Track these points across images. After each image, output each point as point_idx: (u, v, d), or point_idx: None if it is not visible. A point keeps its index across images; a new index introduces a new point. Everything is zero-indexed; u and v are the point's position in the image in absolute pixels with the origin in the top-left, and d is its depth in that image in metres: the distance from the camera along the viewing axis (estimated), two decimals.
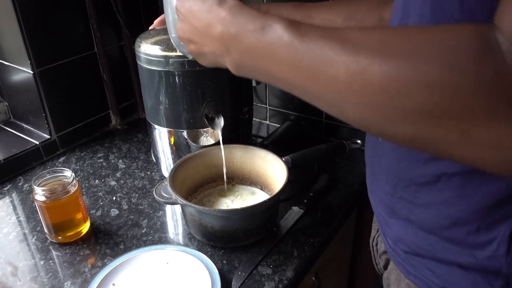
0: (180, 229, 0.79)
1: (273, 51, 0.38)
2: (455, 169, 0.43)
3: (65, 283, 0.68)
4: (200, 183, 0.82)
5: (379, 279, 0.69)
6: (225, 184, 0.82)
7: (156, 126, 0.84)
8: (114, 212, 0.83)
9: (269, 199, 0.70)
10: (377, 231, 0.67)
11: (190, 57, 0.61)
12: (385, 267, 0.64)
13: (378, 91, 0.32)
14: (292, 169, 0.76)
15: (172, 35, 0.61)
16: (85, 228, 0.77)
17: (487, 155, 0.31)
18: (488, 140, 0.30)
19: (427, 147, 0.34)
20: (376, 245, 0.67)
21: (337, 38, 0.34)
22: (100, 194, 0.89)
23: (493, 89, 0.29)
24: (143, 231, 0.78)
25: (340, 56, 0.33)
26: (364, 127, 0.37)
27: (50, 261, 0.73)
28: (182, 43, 0.55)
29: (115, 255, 0.73)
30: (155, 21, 0.78)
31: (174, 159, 0.87)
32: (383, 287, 0.65)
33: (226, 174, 0.82)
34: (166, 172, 0.91)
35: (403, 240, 0.52)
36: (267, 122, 1.13)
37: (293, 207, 0.80)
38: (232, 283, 0.66)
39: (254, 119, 1.02)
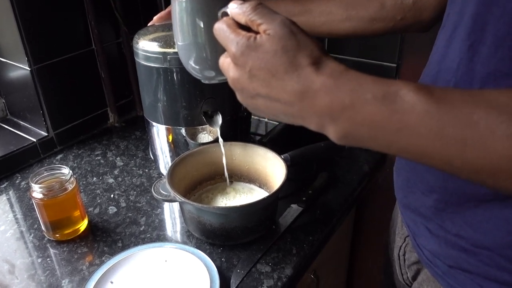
0: (179, 227, 0.79)
1: (403, 122, 0.33)
2: None
3: (63, 281, 0.68)
4: (199, 181, 0.82)
5: (399, 286, 0.68)
6: (227, 180, 0.81)
7: (154, 124, 0.84)
8: (112, 209, 0.83)
9: (268, 197, 0.70)
10: (405, 240, 0.64)
11: (206, 82, 0.51)
12: (414, 278, 0.62)
13: None
14: (291, 166, 0.76)
15: (179, 42, 0.48)
16: (82, 225, 0.77)
17: None
18: None
19: None
20: (404, 255, 0.64)
21: (486, 105, 0.31)
22: (98, 191, 0.88)
23: None
24: (141, 229, 0.77)
25: (498, 128, 0.30)
26: None
27: (48, 259, 0.72)
28: (209, 72, 0.45)
29: (113, 253, 0.72)
30: (154, 18, 0.78)
31: (172, 157, 0.86)
32: None
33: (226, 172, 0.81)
34: (164, 170, 0.90)
35: (448, 254, 0.50)
36: (266, 119, 1.13)
37: (292, 205, 0.80)
38: (231, 281, 0.66)
39: (252, 116, 1.02)
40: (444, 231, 0.50)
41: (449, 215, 0.48)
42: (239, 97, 0.42)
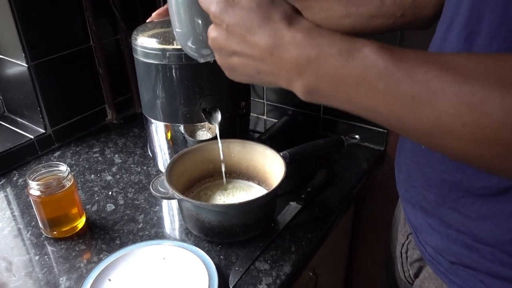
0: (177, 224, 0.79)
1: (363, 77, 0.34)
2: None
3: (61, 279, 0.68)
4: (197, 178, 0.82)
5: (403, 287, 0.68)
6: (224, 178, 0.81)
7: (152, 121, 0.83)
8: (110, 207, 0.82)
9: (266, 194, 0.69)
10: (407, 238, 0.64)
11: (201, 61, 0.55)
12: (416, 275, 0.62)
13: (498, 125, 0.29)
14: (289, 164, 0.76)
15: (177, 29, 0.52)
16: (80, 223, 0.77)
17: None
18: None
19: None
20: (406, 252, 0.64)
21: (441, 65, 0.32)
22: (96, 189, 0.88)
23: None
24: (139, 226, 0.77)
25: (450, 86, 0.31)
26: (465, 159, 0.34)
27: (45, 257, 0.72)
28: (205, 50, 0.48)
29: (111, 251, 0.72)
30: (153, 14, 0.77)
31: (170, 154, 0.86)
32: None
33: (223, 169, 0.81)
34: (162, 167, 0.90)
35: (450, 250, 0.50)
36: (265, 117, 1.13)
37: (291, 202, 0.80)
38: (230, 278, 0.66)
39: (251, 114, 1.01)
40: (445, 226, 0.50)
41: (448, 210, 0.48)
42: (217, 58, 0.44)
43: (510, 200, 0.42)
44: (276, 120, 1.06)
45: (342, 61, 0.35)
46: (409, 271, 0.65)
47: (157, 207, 0.82)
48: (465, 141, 0.31)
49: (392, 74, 0.33)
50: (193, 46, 0.51)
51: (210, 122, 0.79)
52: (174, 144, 0.84)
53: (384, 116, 0.35)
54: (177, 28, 0.51)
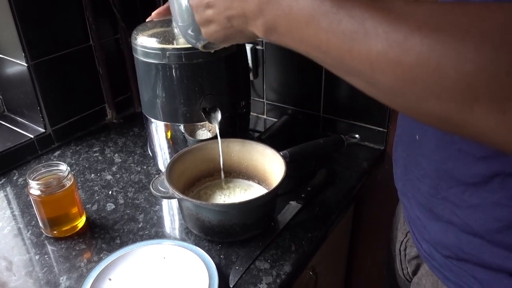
0: (177, 224, 0.79)
1: (312, 16, 0.37)
2: (511, 170, 0.41)
3: (61, 278, 0.68)
4: (197, 177, 0.82)
5: (401, 284, 0.68)
6: (222, 175, 0.81)
7: (152, 120, 0.83)
8: (110, 206, 0.82)
9: (267, 194, 0.69)
10: (406, 236, 0.65)
11: (200, 46, 0.59)
12: (414, 273, 0.62)
13: (415, 63, 0.31)
14: (289, 163, 0.76)
15: (179, 24, 0.58)
16: (80, 222, 0.77)
17: None
18: None
19: (462, 128, 0.32)
20: (405, 250, 0.65)
21: (380, 7, 0.34)
22: (96, 188, 0.88)
23: None
24: (139, 226, 0.77)
25: (381, 24, 0.33)
26: (392, 101, 0.36)
27: (46, 256, 0.72)
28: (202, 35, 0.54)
29: (111, 250, 0.72)
30: (153, 13, 0.77)
31: (170, 153, 0.86)
32: None
33: (223, 168, 0.81)
34: (162, 167, 0.90)
35: (443, 243, 0.50)
36: (265, 116, 1.13)
37: (291, 202, 0.80)
38: (230, 278, 0.66)
39: (251, 113, 1.01)
40: (437, 218, 0.50)
41: (441, 201, 0.49)
42: (196, 17, 0.51)
43: (495, 189, 0.43)
44: (276, 120, 1.06)
45: (295, 0, 0.39)
46: (407, 268, 0.65)
47: (157, 206, 0.82)
48: (390, 78, 0.33)
49: (335, 13, 0.35)
50: (192, 34, 0.57)
51: (210, 122, 0.79)
52: (174, 143, 0.84)
53: (326, 53, 0.38)
54: (179, 22, 0.58)
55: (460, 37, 0.29)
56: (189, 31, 0.57)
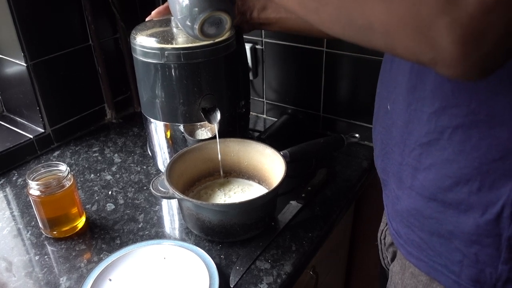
0: (177, 224, 0.78)
1: None
2: (458, 122, 0.44)
3: (61, 279, 0.67)
4: (197, 177, 0.82)
5: (386, 274, 0.69)
6: (221, 173, 0.81)
7: (152, 120, 0.83)
8: (110, 206, 0.82)
9: (267, 193, 0.69)
10: (386, 225, 0.67)
11: (197, 30, 0.64)
12: (392, 260, 0.64)
13: None
14: (289, 163, 0.76)
15: (178, 17, 0.63)
16: (80, 223, 0.77)
17: (408, 22, 0.31)
18: (410, 4, 0.31)
19: (354, 24, 0.35)
20: (384, 238, 0.68)
21: None
22: (96, 188, 0.88)
23: None
24: (139, 226, 0.77)
25: None
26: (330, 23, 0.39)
27: (45, 256, 0.72)
28: (196, 23, 0.60)
29: (111, 250, 0.72)
30: (153, 12, 0.77)
31: (170, 153, 0.86)
32: None
33: (223, 168, 0.81)
34: (162, 166, 0.90)
35: (408, 210, 0.52)
36: (264, 116, 1.12)
37: (291, 201, 0.80)
38: (230, 278, 0.66)
39: (251, 113, 1.01)
40: (404, 185, 0.53)
41: (405, 167, 0.52)
42: None
43: (445, 145, 0.46)
44: (276, 119, 1.06)
45: None
46: (387, 257, 0.67)
47: (157, 206, 0.82)
48: None
49: None
50: (189, 24, 0.64)
51: (210, 122, 0.79)
52: (174, 143, 0.84)
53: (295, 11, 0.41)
54: (178, 16, 0.65)
55: None
56: (187, 22, 0.63)
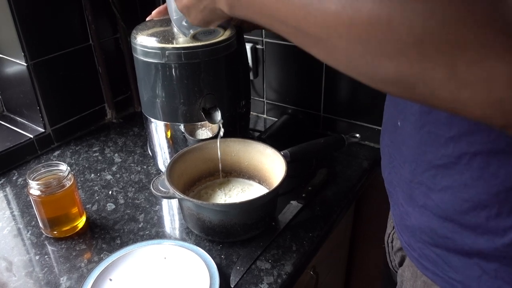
0: (178, 224, 0.78)
1: None
2: (477, 148, 0.42)
3: (61, 278, 0.67)
4: (198, 177, 0.82)
5: (393, 276, 0.69)
6: (221, 176, 0.81)
7: (152, 120, 0.83)
8: (110, 206, 0.82)
9: (268, 193, 0.69)
10: (393, 228, 0.66)
11: (192, 33, 0.66)
12: (400, 264, 0.64)
13: (367, 21, 0.31)
14: (290, 163, 0.76)
15: (174, 17, 0.64)
16: (81, 222, 0.77)
17: (478, 95, 0.30)
18: (479, 76, 0.29)
19: (415, 88, 0.32)
20: (392, 242, 0.67)
21: None
22: (96, 188, 0.88)
23: (484, 19, 0.27)
24: (140, 226, 0.77)
25: None
26: (350, 67, 0.36)
27: (46, 256, 0.72)
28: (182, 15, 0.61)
29: (111, 250, 0.72)
30: (153, 12, 0.77)
31: (170, 153, 0.86)
32: (396, 284, 0.65)
33: (223, 168, 0.81)
34: (162, 166, 0.90)
35: (420, 228, 0.52)
36: (265, 116, 1.12)
37: (292, 202, 0.80)
38: (231, 278, 0.66)
39: (251, 112, 1.01)
40: (415, 203, 0.51)
41: (417, 185, 0.50)
42: (178, 6, 0.60)
43: (462, 170, 0.44)
44: (276, 119, 1.06)
45: None
46: (394, 260, 0.66)
47: (157, 206, 0.82)
48: (346, 40, 0.34)
49: None
50: (186, 25, 0.66)
51: (210, 122, 0.79)
52: (174, 143, 0.84)
53: (284, 23, 0.39)
54: (174, 16, 0.66)
55: None
56: (183, 23, 0.65)
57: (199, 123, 0.81)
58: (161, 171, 0.91)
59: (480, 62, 0.28)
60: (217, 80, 0.78)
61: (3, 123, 1.04)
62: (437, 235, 0.49)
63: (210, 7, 0.52)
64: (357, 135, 0.89)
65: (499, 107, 0.29)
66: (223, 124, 0.79)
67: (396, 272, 0.66)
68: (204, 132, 0.82)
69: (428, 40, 0.29)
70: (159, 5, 0.79)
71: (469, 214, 0.45)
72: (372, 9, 0.31)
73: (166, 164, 0.75)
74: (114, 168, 0.94)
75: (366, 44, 0.32)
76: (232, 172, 0.83)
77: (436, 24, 0.28)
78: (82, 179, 0.91)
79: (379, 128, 0.95)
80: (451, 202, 0.46)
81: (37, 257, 0.72)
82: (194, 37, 0.69)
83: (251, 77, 1.07)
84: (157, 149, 0.88)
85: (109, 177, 0.91)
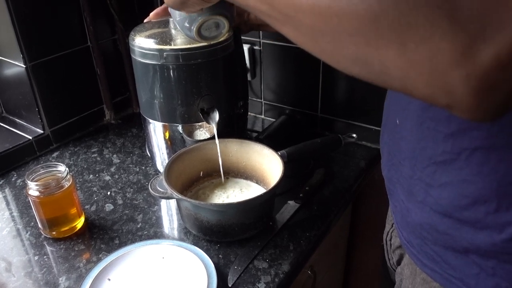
0: (176, 224, 0.79)
1: None
2: (477, 144, 0.43)
3: (60, 279, 0.68)
4: (196, 178, 0.82)
5: (391, 274, 0.69)
6: (222, 177, 0.82)
7: (150, 121, 0.83)
8: (109, 207, 0.83)
9: (265, 193, 0.70)
10: (392, 226, 0.67)
11: (194, 32, 0.65)
12: (398, 262, 0.64)
13: (329, 0, 0.33)
14: (287, 163, 0.76)
15: (177, 18, 0.64)
16: (79, 223, 0.77)
17: (424, 74, 0.31)
18: (425, 55, 0.30)
19: (372, 66, 0.34)
20: (390, 240, 0.67)
21: None
22: (95, 189, 0.88)
23: (436, 1, 0.29)
24: (138, 226, 0.77)
25: None
26: (314, 45, 0.38)
27: (45, 257, 0.72)
28: (194, 25, 0.62)
29: (110, 250, 0.72)
30: (151, 14, 0.77)
31: (169, 154, 0.86)
32: (394, 282, 0.65)
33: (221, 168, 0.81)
34: (161, 167, 0.90)
35: (420, 224, 0.52)
36: (262, 116, 1.13)
37: (289, 201, 0.80)
38: (228, 277, 0.66)
39: (249, 113, 1.02)
40: (415, 199, 0.52)
41: (417, 181, 0.51)
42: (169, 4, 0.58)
43: (462, 165, 0.45)
44: (274, 120, 1.06)
45: None
46: (393, 258, 0.66)
47: (155, 206, 0.82)
48: (310, 18, 0.36)
49: None
50: (187, 25, 0.65)
51: (208, 122, 0.80)
52: (172, 144, 0.84)
53: (261, 1, 0.41)
54: (177, 17, 0.65)
55: None
56: (186, 23, 0.64)
57: (197, 123, 0.81)
58: (159, 172, 0.91)
59: (426, 42, 0.29)
60: (215, 81, 0.79)
61: (2, 124, 1.04)
62: (436, 232, 0.50)
63: None
64: (354, 135, 0.90)
65: (443, 85, 0.31)
66: (220, 124, 0.79)
67: (395, 270, 0.66)
68: (202, 132, 0.83)
69: (383, 18, 0.31)
70: (157, 7, 0.79)
71: (468, 209, 0.46)
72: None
73: (164, 165, 0.76)
74: (112, 169, 0.94)
75: (328, 21, 0.34)
76: (230, 173, 0.84)
77: (391, 2, 0.30)
78: (80, 180, 0.91)
79: (376, 128, 0.96)
80: (450, 198, 0.47)
81: (36, 258, 0.72)
82: (200, 34, 0.65)
83: (249, 78, 1.07)
84: (155, 149, 0.88)
85: (107, 177, 0.91)
